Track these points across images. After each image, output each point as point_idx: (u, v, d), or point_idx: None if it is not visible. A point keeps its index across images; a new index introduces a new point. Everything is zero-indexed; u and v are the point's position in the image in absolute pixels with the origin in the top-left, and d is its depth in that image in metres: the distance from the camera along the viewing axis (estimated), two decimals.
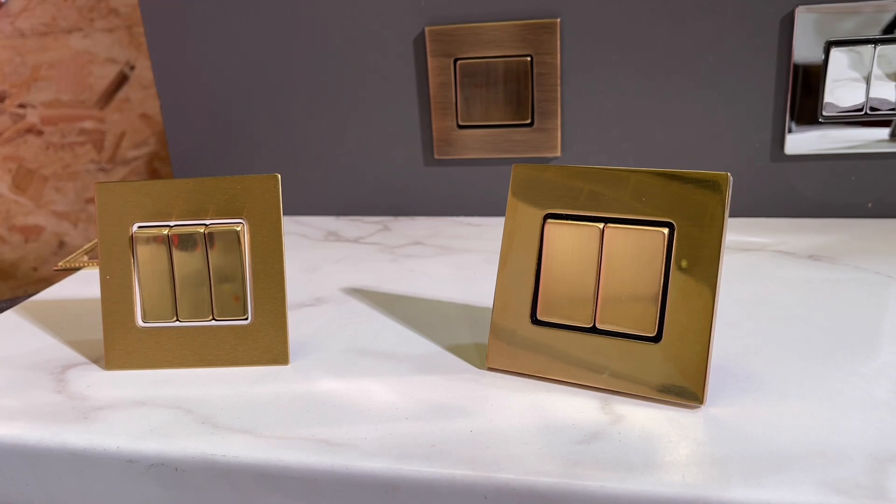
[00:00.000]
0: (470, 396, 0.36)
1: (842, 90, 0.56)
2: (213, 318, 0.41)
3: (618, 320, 0.36)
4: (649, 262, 0.35)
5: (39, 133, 0.90)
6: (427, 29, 0.62)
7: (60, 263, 0.61)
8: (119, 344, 0.41)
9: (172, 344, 0.41)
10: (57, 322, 0.49)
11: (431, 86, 0.64)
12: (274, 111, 0.69)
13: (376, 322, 0.46)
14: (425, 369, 0.39)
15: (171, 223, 0.41)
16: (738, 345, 0.40)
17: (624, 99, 0.61)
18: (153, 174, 0.91)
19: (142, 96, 0.88)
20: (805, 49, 0.56)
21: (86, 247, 0.64)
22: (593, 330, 0.37)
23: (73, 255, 0.62)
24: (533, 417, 0.34)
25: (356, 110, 0.67)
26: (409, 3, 0.63)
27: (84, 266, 0.59)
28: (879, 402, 0.34)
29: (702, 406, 0.34)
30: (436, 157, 0.66)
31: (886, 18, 0.54)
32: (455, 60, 0.63)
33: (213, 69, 0.68)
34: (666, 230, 0.35)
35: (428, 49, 0.63)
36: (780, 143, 0.59)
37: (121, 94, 0.86)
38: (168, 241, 0.41)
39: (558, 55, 0.61)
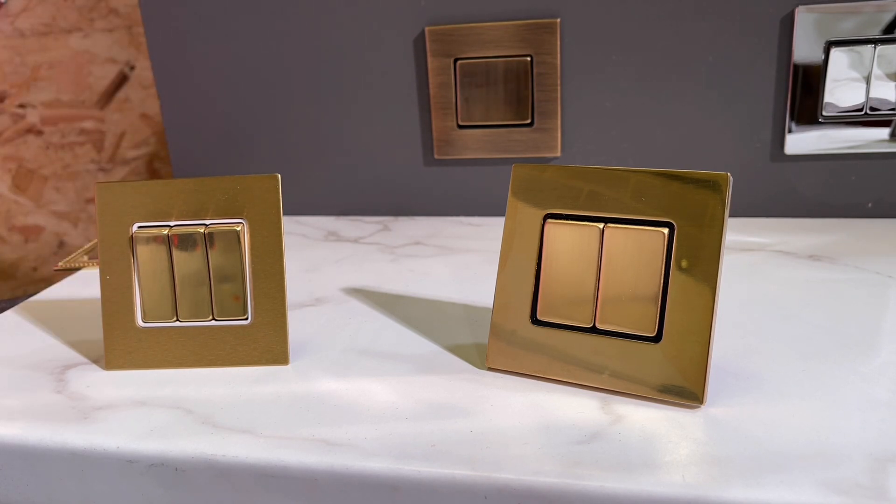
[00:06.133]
0: (470, 396, 0.36)
1: (842, 90, 0.56)
2: (213, 318, 0.41)
3: (618, 320, 0.36)
4: (649, 262, 0.35)
5: (39, 133, 0.90)
6: (427, 29, 0.62)
7: (60, 263, 0.61)
8: (119, 344, 0.41)
9: (172, 344, 0.41)
10: (57, 322, 0.49)
11: (431, 86, 0.64)
12: (274, 111, 0.69)
13: (376, 322, 0.46)
14: (425, 369, 0.39)
15: (171, 223, 0.41)
16: (739, 344, 0.40)
17: (624, 99, 0.61)
18: (153, 174, 0.91)
19: (142, 96, 0.88)
20: (805, 49, 0.56)
21: (86, 247, 0.64)
22: (593, 330, 0.37)
23: (73, 255, 0.62)
24: (533, 417, 0.34)
25: (356, 110, 0.67)
26: (409, 3, 0.63)
27: (84, 266, 0.59)
28: (879, 402, 0.34)
29: (702, 406, 0.34)
30: (436, 157, 0.66)
31: (886, 18, 0.54)
32: (455, 60, 0.63)
33: (213, 69, 0.68)
34: (666, 230, 0.35)
35: (428, 49, 0.63)
36: (780, 143, 0.59)
37: (121, 94, 0.86)
38: (168, 241, 0.41)
39: (558, 55, 0.61)
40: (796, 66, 0.57)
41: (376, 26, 0.64)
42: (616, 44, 0.60)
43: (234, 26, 0.66)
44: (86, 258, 0.61)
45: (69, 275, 0.59)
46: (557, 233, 0.37)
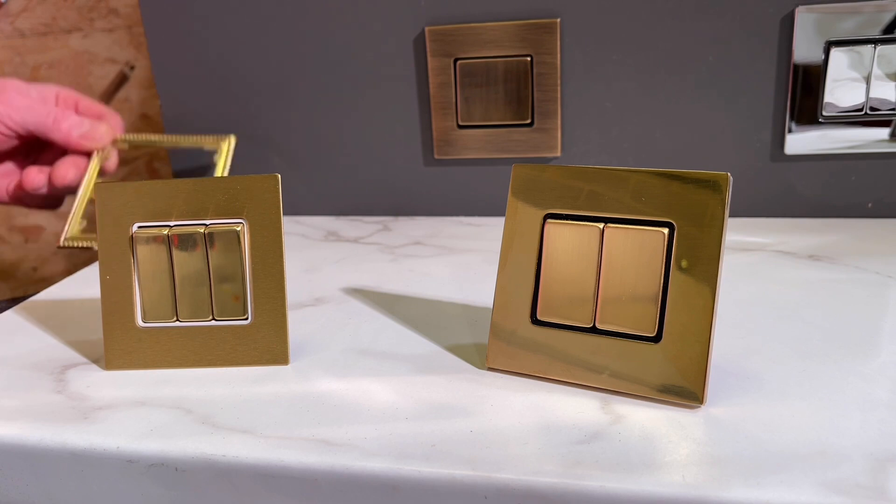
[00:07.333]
0: (470, 396, 0.36)
1: (842, 90, 0.56)
2: (213, 318, 0.41)
3: (618, 320, 0.36)
4: (649, 262, 0.35)
5: None
6: (427, 29, 0.62)
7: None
8: (119, 344, 0.41)
9: (172, 344, 0.41)
10: (57, 322, 0.49)
11: (431, 86, 0.64)
12: (274, 111, 0.69)
13: (376, 322, 0.46)
14: (425, 369, 0.39)
15: (171, 223, 0.41)
16: (739, 345, 0.40)
17: (624, 99, 0.61)
18: (153, 174, 0.91)
19: (142, 96, 0.87)
20: (805, 49, 0.56)
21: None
22: (593, 330, 0.37)
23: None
24: (533, 417, 0.34)
25: (356, 110, 0.67)
26: (409, 3, 0.63)
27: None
28: (879, 402, 0.34)
29: (702, 406, 0.34)
30: (436, 157, 0.66)
31: (886, 18, 0.54)
32: (455, 60, 0.63)
33: (213, 69, 0.68)
34: (666, 230, 0.35)
35: (428, 49, 0.63)
36: (780, 143, 0.59)
37: (121, 94, 0.86)
38: (168, 241, 0.41)
39: (558, 55, 0.61)
40: (796, 66, 0.57)
41: (376, 26, 0.64)
42: (616, 44, 0.60)
43: (234, 26, 0.66)
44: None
45: (69, 274, 0.59)
46: (557, 233, 0.37)
